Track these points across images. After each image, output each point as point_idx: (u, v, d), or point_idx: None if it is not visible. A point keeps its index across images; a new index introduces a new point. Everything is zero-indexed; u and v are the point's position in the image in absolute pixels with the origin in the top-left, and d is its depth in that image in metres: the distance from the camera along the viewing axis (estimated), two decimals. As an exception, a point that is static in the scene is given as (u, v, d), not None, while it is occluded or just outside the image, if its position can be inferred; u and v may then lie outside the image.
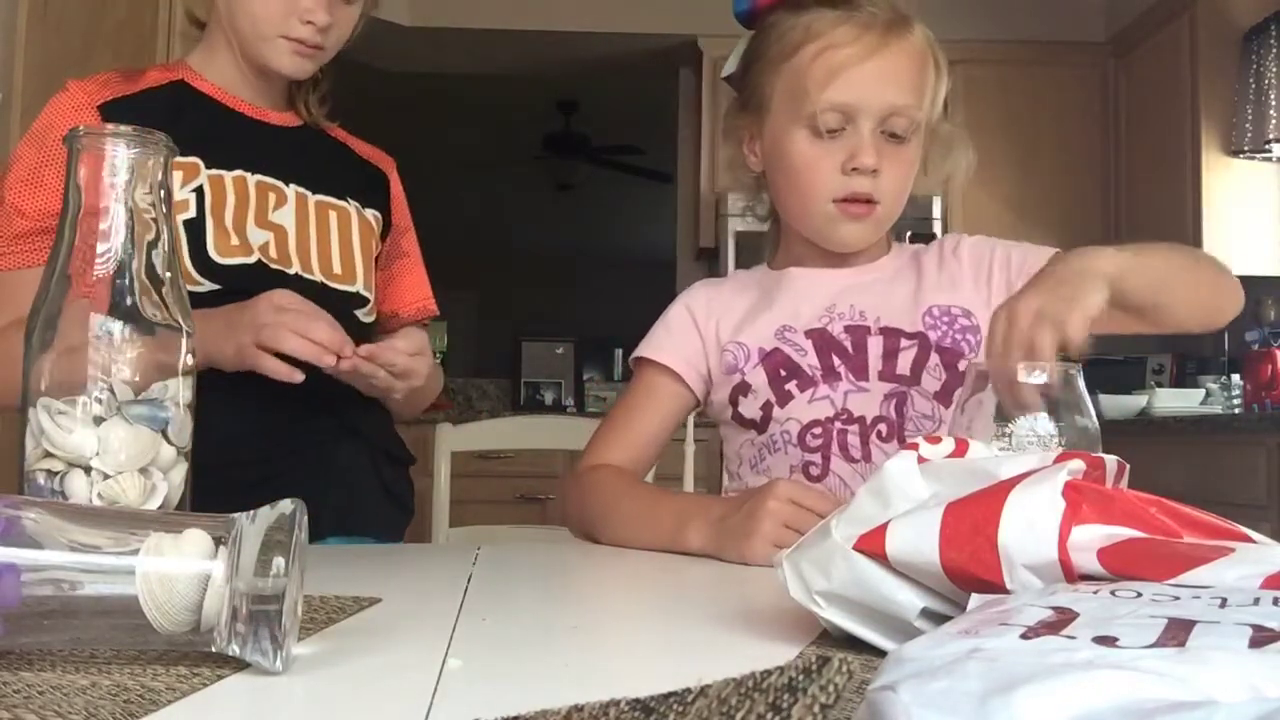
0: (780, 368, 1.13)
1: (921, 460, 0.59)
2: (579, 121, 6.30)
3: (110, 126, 0.65)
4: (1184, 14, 4.01)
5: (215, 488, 1.05)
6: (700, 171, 4.65)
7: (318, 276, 1.25)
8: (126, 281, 0.64)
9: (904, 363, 1.13)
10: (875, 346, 1.13)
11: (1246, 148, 3.77)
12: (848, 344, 1.13)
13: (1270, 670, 0.29)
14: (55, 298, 0.63)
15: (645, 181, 6.53)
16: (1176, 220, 4.01)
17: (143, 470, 0.64)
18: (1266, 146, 3.71)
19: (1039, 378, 0.76)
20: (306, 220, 1.26)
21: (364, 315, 1.31)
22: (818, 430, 1.11)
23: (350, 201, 1.32)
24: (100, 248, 0.63)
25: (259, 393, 1.10)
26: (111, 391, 0.63)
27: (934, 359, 1.13)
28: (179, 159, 1.15)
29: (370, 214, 1.35)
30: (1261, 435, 3.06)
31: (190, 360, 0.67)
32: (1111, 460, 0.58)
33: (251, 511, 0.49)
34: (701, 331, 1.20)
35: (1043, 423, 0.74)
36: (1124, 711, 0.28)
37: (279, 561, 0.47)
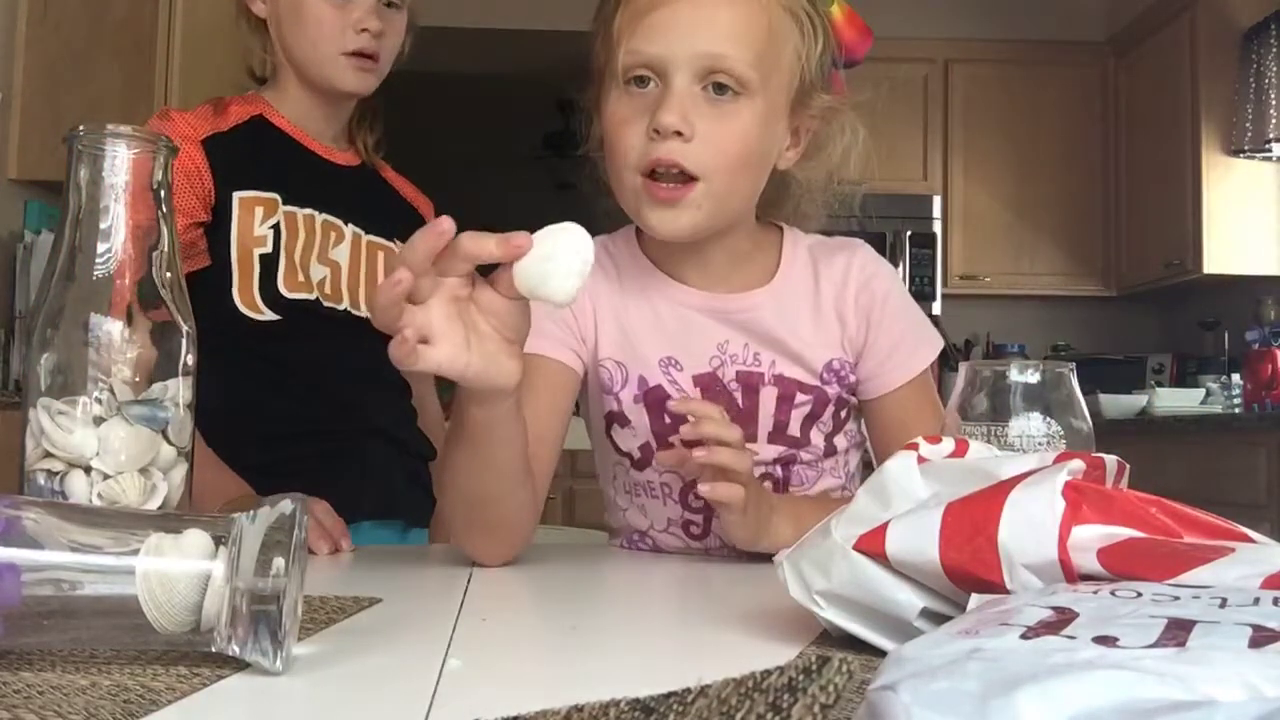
0: (665, 411, 1.01)
1: (921, 460, 0.59)
2: (579, 121, 6.29)
3: (110, 126, 0.65)
4: (1184, 14, 4.02)
5: (262, 484, 1.21)
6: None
7: (364, 312, 1.34)
8: (126, 281, 0.64)
9: (795, 420, 1.03)
10: (768, 400, 1.02)
11: (1246, 148, 3.77)
12: (739, 396, 1.02)
13: (1270, 670, 0.29)
14: (55, 298, 0.63)
15: (645, 181, 6.52)
16: (1176, 220, 4.01)
17: (143, 470, 0.64)
18: (1266, 146, 3.71)
19: (1031, 376, 0.76)
20: (359, 258, 1.37)
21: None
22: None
23: (396, 242, 1.41)
24: (100, 248, 0.63)
25: (304, 399, 1.31)
26: (111, 391, 0.63)
27: (827, 413, 1.04)
28: (261, 194, 1.29)
29: None
30: (1261, 435, 3.06)
31: (190, 360, 0.67)
32: (1111, 460, 0.58)
33: (251, 511, 0.49)
34: (582, 311, 1.03)
35: (1036, 423, 0.74)
36: (1124, 711, 0.28)
37: (279, 561, 0.47)
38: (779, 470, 1.04)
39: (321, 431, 1.33)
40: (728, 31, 0.92)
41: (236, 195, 1.28)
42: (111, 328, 0.63)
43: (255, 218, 1.29)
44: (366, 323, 1.29)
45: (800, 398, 1.03)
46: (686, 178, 0.92)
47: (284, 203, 1.31)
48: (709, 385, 1.02)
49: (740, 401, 1.02)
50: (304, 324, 1.29)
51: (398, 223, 1.43)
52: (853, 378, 1.05)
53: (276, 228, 1.29)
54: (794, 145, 1.01)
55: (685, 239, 0.98)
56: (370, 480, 1.34)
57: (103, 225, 0.63)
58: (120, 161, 0.64)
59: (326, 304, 1.32)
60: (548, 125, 6.35)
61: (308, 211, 1.32)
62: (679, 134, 0.91)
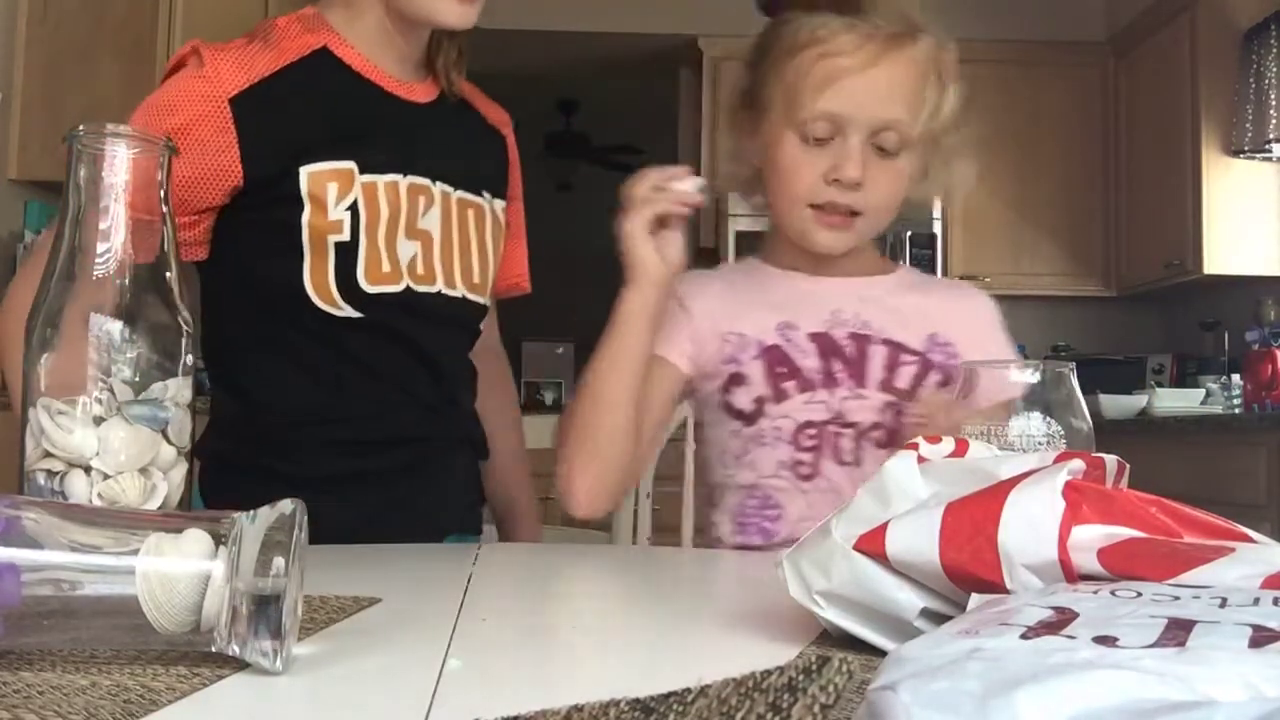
0: (778, 364, 1.12)
1: (921, 460, 0.59)
2: (579, 121, 6.29)
3: (110, 126, 0.65)
4: (1184, 14, 4.01)
5: (330, 498, 1.08)
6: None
7: (459, 290, 1.21)
8: (126, 281, 0.64)
9: (904, 377, 1.12)
10: (877, 356, 1.12)
11: (1246, 148, 3.77)
12: (850, 350, 1.12)
13: (1270, 670, 0.29)
14: (55, 298, 0.63)
15: (645, 181, 6.52)
16: (1177, 220, 4.01)
17: (143, 470, 0.64)
18: (1266, 146, 3.71)
19: (1031, 376, 0.76)
20: (450, 225, 1.20)
21: (482, 325, 1.31)
22: (812, 431, 1.11)
23: (484, 195, 1.26)
24: (100, 248, 0.63)
25: (388, 402, 1.17)
26: (111, 391, 0.63)
27: (933, 378, 1.12)
28: (334, 165, 1.10)
29: (499, 206, 1.30)
30: (1261, 435, 3.06)
31: (190, 360, 0.67)
32: (1111, 460, 0.58)
33: (251, 511, 0.49)
34: (694, 317, 1.16)
35: (1036, 423, 0.74)
36: (1124, 711, 0.28)
37: (279, 561, 0.47)
38: (890, 418, 1.12)
39: (407, 439, 1.20)
40: (902, 98, 1.07)
41: (305, 170, 1.09)
42: (111, 328, 0.63)
43: (329, 196, 1.10)
44: (459, 306, 1.23)
45: (906, 358, 1.12)
46: (852, 212, 1.09)
47: (360, 171, 1.12)
48: (823, 343, 1.12)
49: (850, 354, 1.12)
50: (389, 319, 1.14)
51: (484, 162, 1.29)
52: (955, 360, 1.12)
53: (354, 207, 1.11)
54: (921, 178, 1.15)
55: (840, 252, 1.13)
56: (457, 492, 1.25)
57: (103, 225, 0.63)
58: (120, 161, 0.64)
59: (419, 289, 1.16)
60: (548, 125, 6.36)
61: (390, 179, 1.14)
62: (857, 184, 1.06)
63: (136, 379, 0.64)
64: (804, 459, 1.11)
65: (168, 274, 0.66)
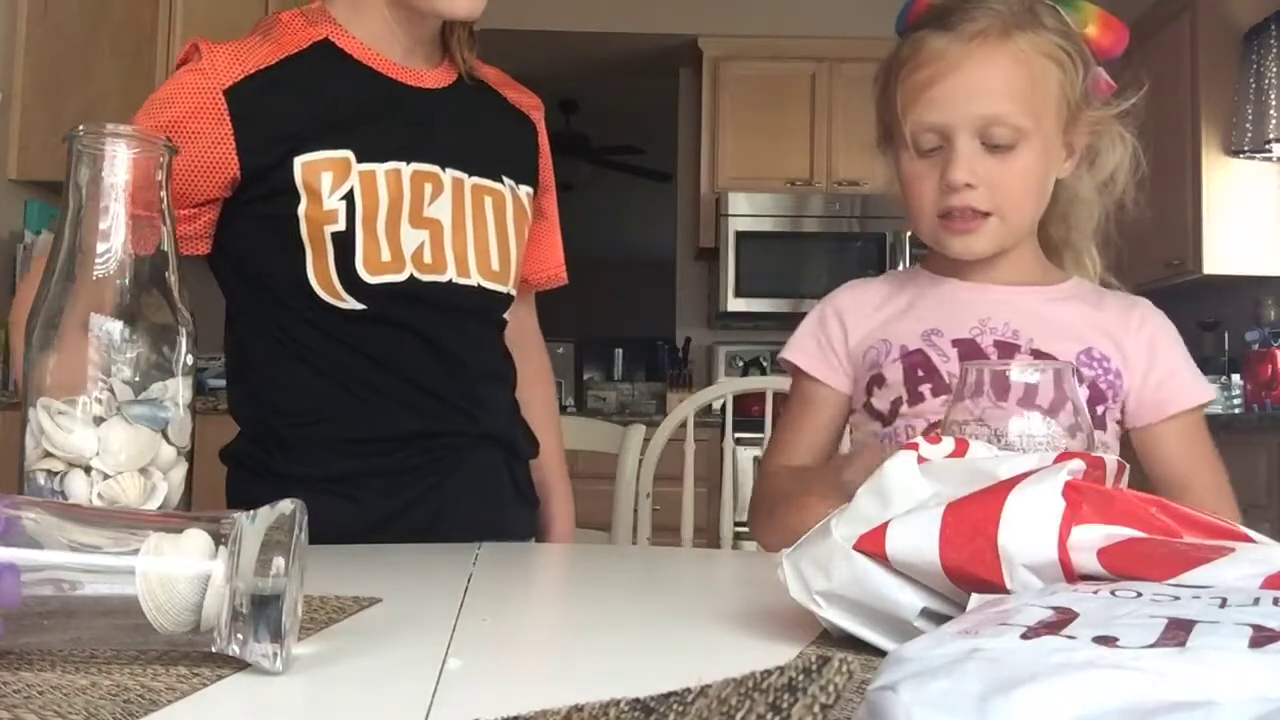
0: (918, 368, 1.12)
1: (921, 460, 0.59)
2: (579, 121, 6.29)
3: (110, 126, 0.65)
4: (1184, 14, 4.01)
5: (341, 499, 1.11)
6: (700, 171, 4.65)
7: (474, 279, 1.18)
8: (126, 281, 0.64)
9: None
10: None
11: (1246, 148, 3.77)
12: (994, 358, 1.10)
13: (1270, 670, 0.29)
14: (55, 298, 0.63)
15: (645, 181, 6.52)
16: (1177, 220, 4.01)
17: (143, 470, 0.64)
18: (1266, 146, 3.71)
19: (1031, 376, 0.76)
20: (463, 211, 1.17)
21: (507, 315, 1.27)
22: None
23: (505, 182, 1.23)
24: (100, 248, 0.63)
25: (400, 398, 1.14)
26: (111, 391, 0.63)
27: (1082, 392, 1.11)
28: (330, 154, 1.09)
29: (524, 192, 1.27)
30: (1261, 435, 3.06)
31: (190, 360, 0.67)
32: (1111, 460, 0.58)
33: (251, 511, 0.49)
34: (847, 331, 1.18)
35: (1036, 423, 0.74)
36: (1124, 711, 0.28)
37: (279, 561, 0.47)
38: None
39: (424, 435, 1.17)
40: (997, 91, 1.05)
41: (299, 160, 1.08)
42: (111, 328, 0.63)
43: (323, 186, 1.09)
44: (474, 295, 1.19)
45: None
46: (980, 213, 1.07)
47: (358, 160, 1.10)
48: (966, 349, 1.11)
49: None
50: (397, 311, 1.12)
51: (505, 147, 1.26)
52: (1119, 383, 1.11)
53: (349, 197, 1.09)
54: (1069, 157, 1.13)
55: (986, 256, 1.11)
56: (481, 493, 1.20)
57: (103, 225, 0.63)
58: (120, 161, 0.64)
59: (425, 278, 1.13)
60: (548, 125, 6.35)
61: (391, 166, 1.12)
62: (968, 185, 1.05)
63: (136, 379, 0.64)
64: None
65: (168, 274, 0.66)
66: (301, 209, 1.08)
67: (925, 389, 1.10)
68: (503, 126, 1.29)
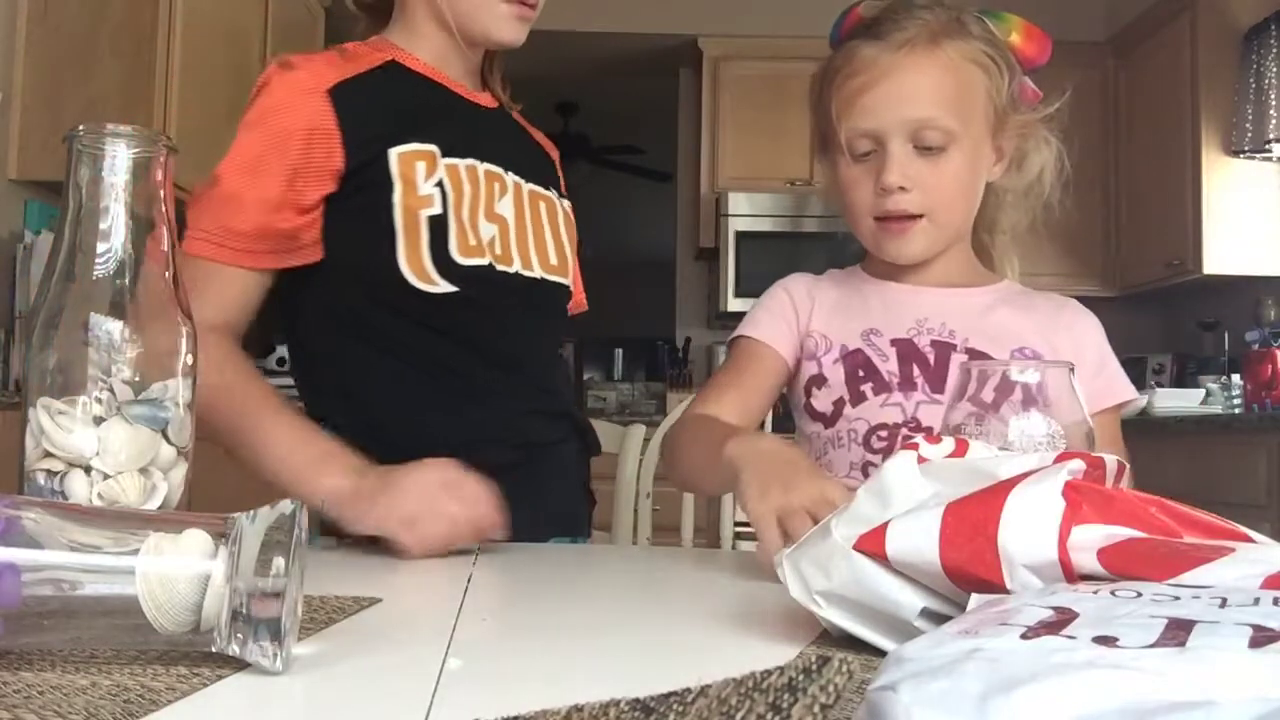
0: (859, 368, 1.14)
1: (921, 460, 0.59)
2: (579, 122, 6.29)
3: (110, 126, 0.65)
4: (1184, 14, 4.01)
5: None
6: (700, 171, 4.65)
7: (537, 271, 1.24)
8: (126, 281, 0.64)
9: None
10: (957, 365, 1.13)
11: (1246, 148, 3.77)
12: (930, 357, 1.14)
13: (1270, 670, 0.29)
14: (55, 298, 0.63)
15: (645, 181, 6.53)
16: (1177, 220, 4.01)
17: (143, 470, 0.64)
18: (1266, 146, 3.71)
19: (1031, 376, 0.76)
20: (524, 213, 1.25)
21: (571, 308, 1.34)
22: (884, 433, 1.11)
23: (552, 191, 1.31)
24: (100, 248, 0.63)
25: (501, 391, 1.19)
26: (111, 391, 0.63)
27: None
28: (419, 147, 1.14)
29: (567, 205, 1.36)
30: (1261, 435, 3.06)
31: (190, 360, 0.67)
32: (1112, 460, 0.58)
33: (251, 511, 0.49)
34: (798, 313, 1.21)
35: (1036, 423, 0.74)
36: (1124, 711, 0.28)
37: (279, 561, 0.47)
38: None
39: (521, 428, 1.20)
40: (927, 96, 1.09)
41: (394, 151, 1.13)
42: (111, 328, 0.63)
43: (418, 175, 1.14)
44: (538, 289, 1.25)
45: None
46: (913, 216, 1.11)
47: (443, 154, 1.16)
48: (904, 348, 1.14)
49: (932, 361, 1.13)
50: (482, 296, 1.16)
51: (544, 168, 1.33)
52: None
53: (441, 185, 1.15)
54: (998, 160, 1.17)
55: (919, 260, 1.15)
56: (563, 488, 1.23)
57: (103, 225, 0.63)
58: (120, 161, 0.64)
59: (500, 268, 1.18)
60: (548, 126, 6.36)
61: (469, 162, 1.18)
62: (901, 188, 1.09)
63: (136, 379, 0.64)
64: (874, 460, 1.12)
65: (168, 274, 0.66)
66: (396, 196, 1.13)
67: (866, 388, 1.13)
68: (538, 154, 1.37)
